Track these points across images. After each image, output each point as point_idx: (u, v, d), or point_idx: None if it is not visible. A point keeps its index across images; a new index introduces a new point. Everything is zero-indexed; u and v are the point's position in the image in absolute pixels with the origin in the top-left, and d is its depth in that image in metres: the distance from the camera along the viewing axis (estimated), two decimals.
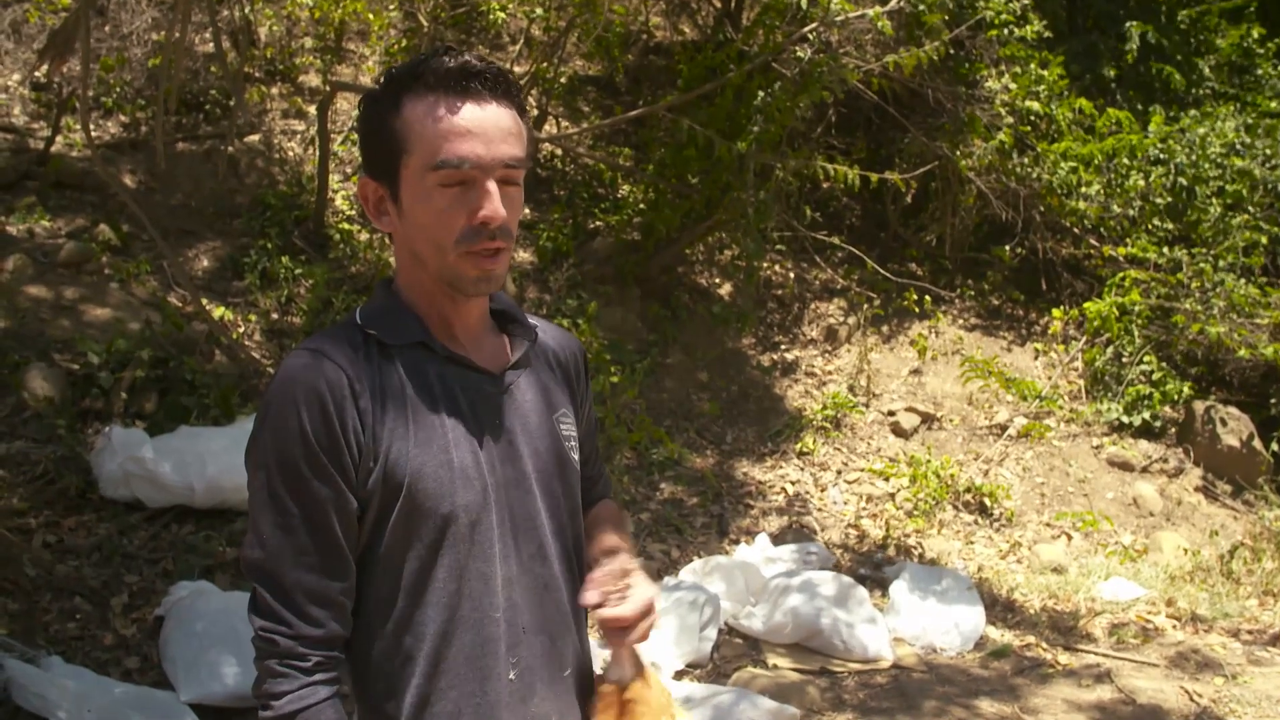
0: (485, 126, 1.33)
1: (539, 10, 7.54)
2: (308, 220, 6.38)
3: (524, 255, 7.16)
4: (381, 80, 1.39)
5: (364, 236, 6.54)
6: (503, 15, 7.91)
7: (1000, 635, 4.79)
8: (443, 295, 1.41)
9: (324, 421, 1.29)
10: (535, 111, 7.72)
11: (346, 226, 6.50)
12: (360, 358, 1.36)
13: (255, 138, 6.88)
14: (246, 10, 7.38)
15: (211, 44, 7.31)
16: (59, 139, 6.18)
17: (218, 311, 5.67)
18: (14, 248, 5.42)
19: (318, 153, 6.36)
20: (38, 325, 4.90)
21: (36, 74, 6.22)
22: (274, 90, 7.28)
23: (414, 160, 1.34)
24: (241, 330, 5.71)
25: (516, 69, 7.88)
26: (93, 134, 6.47)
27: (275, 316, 5.88)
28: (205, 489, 4.29)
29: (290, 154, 6.92)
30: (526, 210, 7.38)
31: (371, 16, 7.52)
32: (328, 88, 6.67)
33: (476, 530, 1.37)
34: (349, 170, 6.94)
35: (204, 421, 4.69)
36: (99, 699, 3.29)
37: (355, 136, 7.12)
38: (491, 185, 1.33)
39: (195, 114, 6.81)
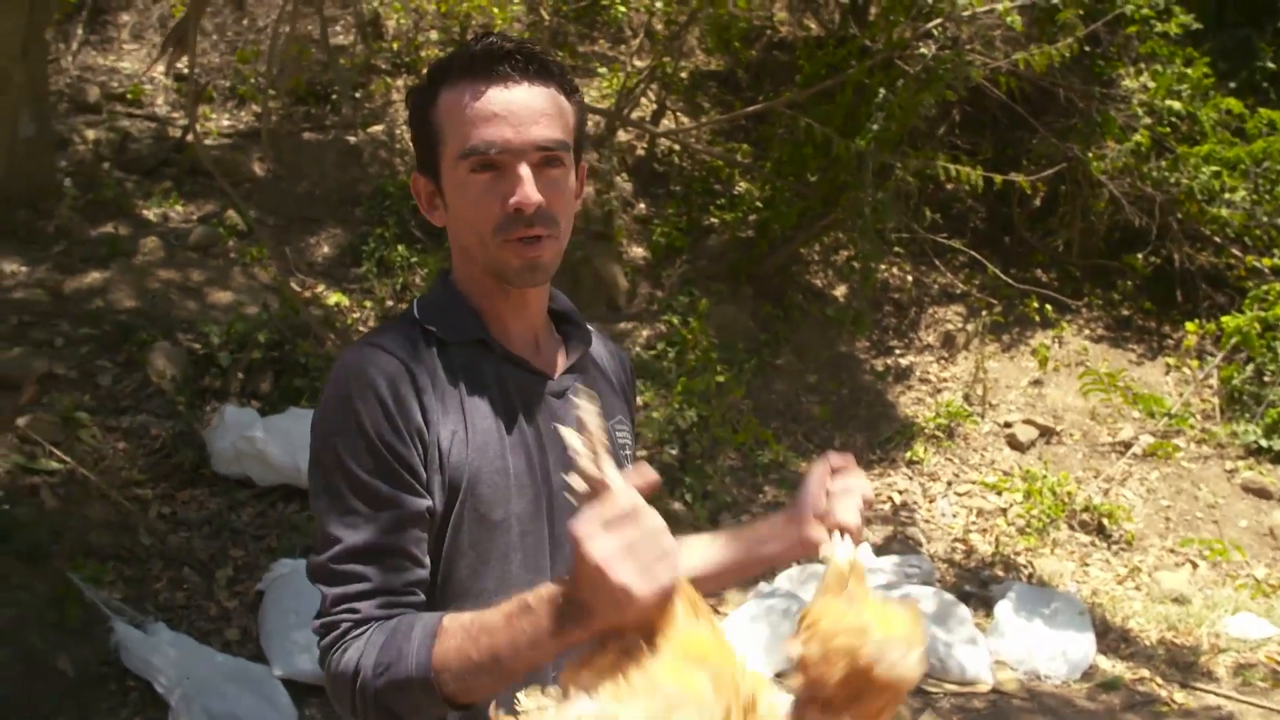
0: (514, 109, 1.28)
1: (660, 4, 7.52)
2: None
3: (637, 251, 7.16)
4: (425, 74, 1.37)
5: None
6: (624, 9, 7.92)
7: (1111, 666, 4.55)
8: (496, 289, 1.37)
9: (387, 419, 1.24)
10: (654, 106, 7.71)
11: None
12: (420, 354, 1.31)
13: (379, 128, 7.05)
14: (375, 4, 7.58)
15: (341, 37, 7.54)
16: (196, 127, 6.45)
17: (334, 297, 5.84)
18: (149, 231, 5.68)
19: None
20: (166, 305, 5.12)
21: (160, 66, 6.50)
22: (399, 82, 7.44)
23: (448, 150, 1.31)
24: (357, 316, 5.86)
25: (637, 63, 7.89)
26: (226, 123, 6.74)
27: (390, 303, 6.01)
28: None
29: (411, 144, 7.08)
30: (641, 205, 7.38)
31: (496, 10, 7.63)
32: None
33: (527, 539, 1.32)
34: None
35: (315, 404, 4.82)
36: (198, 667, 3.42)
37: None
38: (524, 170, 1.28)
39: (323, 104, 7.02)
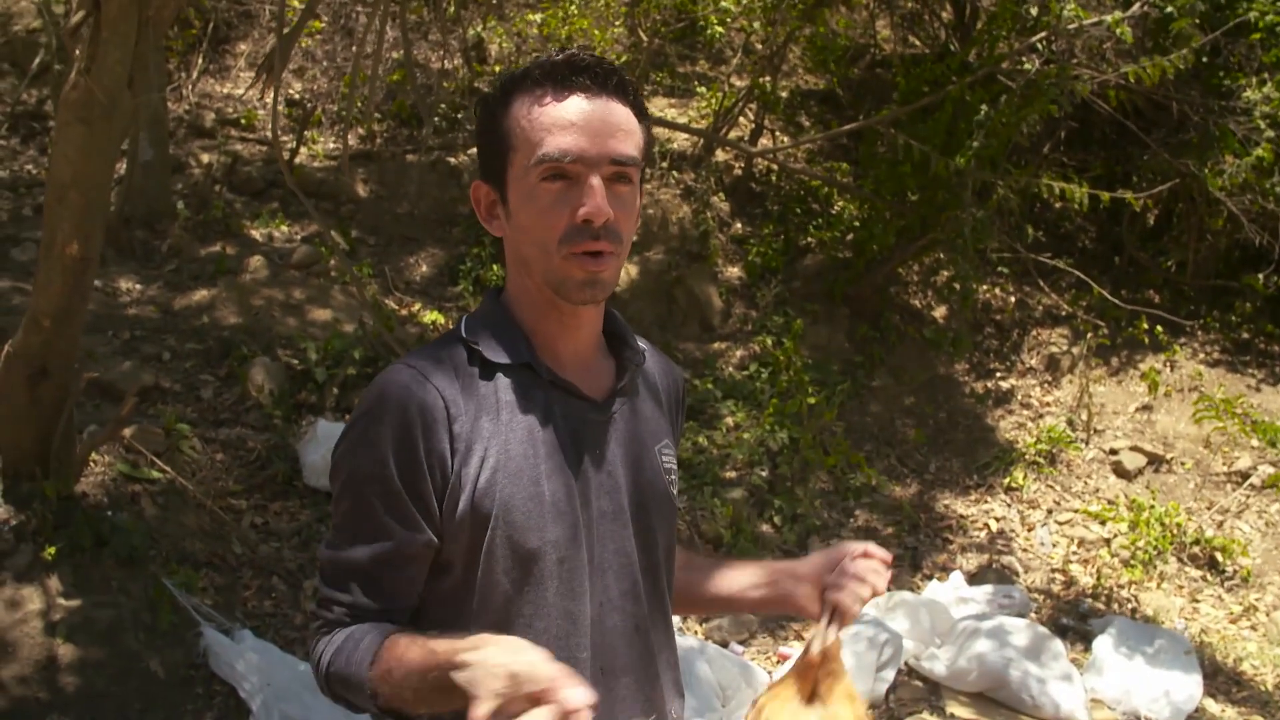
0: (590, 120, 1.28)
1: (757, 24, 7.49)
2: None
3: (733, 270, 7.13)
4: (496, 83, 1.37)
5: None
6: (721, 29, 7.92)
7: (1221, 710, 4.30)
8: (550, 308, 1.35)
9: (409, 450, 1.25)
10: (752, 125, 7.68)
11: None
12: (461, 378, 1.31)
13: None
14: (479, 29, 7.75)
15: (446, 61, 7.73)
16: (303, 150, 6.69)
17: (430, 315, 5.96)
18: (255, 250, 5.90)
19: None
20: (267, 322, 5.30)
21: (251, 91, 6.76)
22: None
23: (519, 158, 1.30)
24: None
25: (736, 82, 7.87)
26: (333, 145, 6.98)
27: None
28: None
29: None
30: (737, 225, 7.35)
31: (596, 33, 7.72)
32: None
33: (564, 566, 1.31)
34: None
35: None
36: (280, 675, 3.50)
37: None
38: (596, 181, 1.27)
39: (423, 128, 7.20)
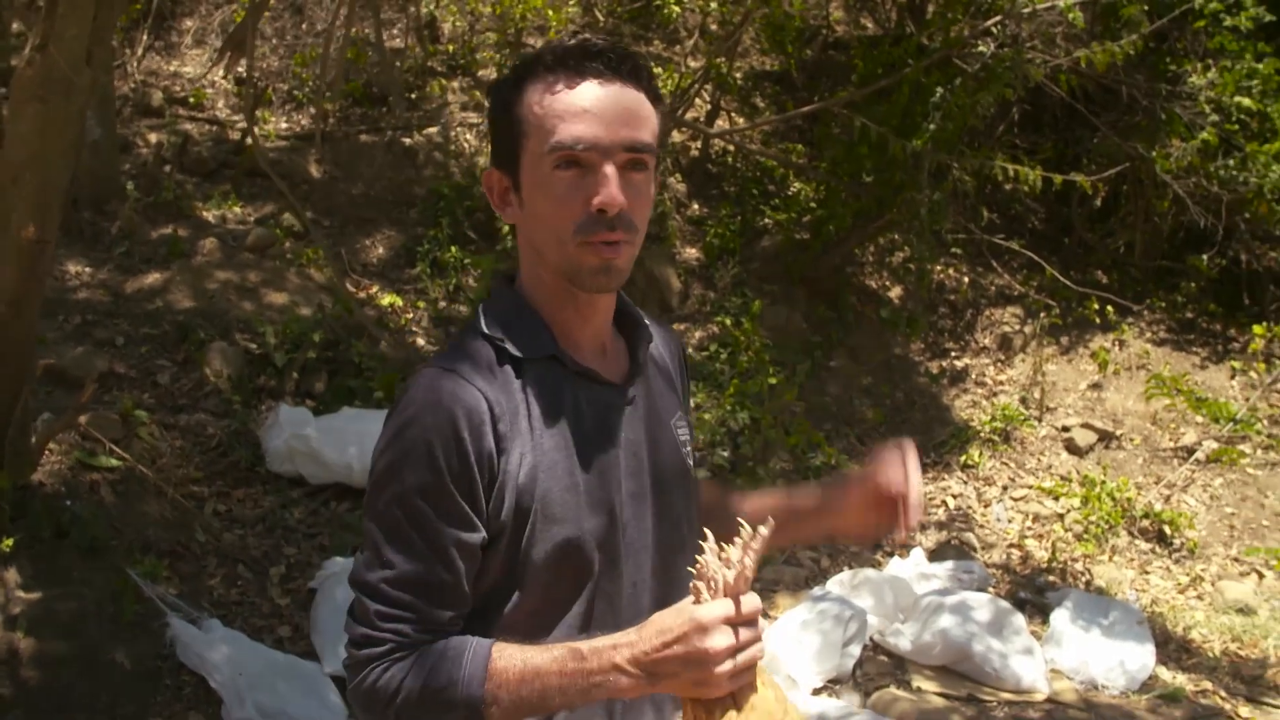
0: (604, 107, 1.25)
1: (714, 4, 7.49)
2: (479, 211, 6.55)
3: (690, 252, 7.14)
4: (509, 69, 1.36)
5: None
6: (678, 9, 7.90)
7: (1172, 678, 4.44)
8: (564, 295, 1.34)
9: (459, 454, 1.23)
10: (708, 106, 7.68)
11: None
12: (495, 376, 1.30)
13: (434, 130, 7.11)
14: (432, 7, 7.65)
15: (399, 39, 7.62)
16: (254, 129, 6.55)
17: (388, 298, 5.89)
18: (208, 232, 5.78)
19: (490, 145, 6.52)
20: (223, 306, 5.21)
21: (215, 70, 6.61)
22: (454, 84, 7.50)
23: (532, 145, 1.28)
24: (410, 316, 5.91)
25: (691, 63, 7.86)
26: (285, 125, 6.85)
27: (443, 304, 6.06)
28: (362, 468, 4.45)
29: (467, 146, 7.12)
30: (695, 207, 7.36)
31: (550, 12, 7.65)
32: None
33: (602, 553, 1.32)
34: None
35: (368, 404, 4.88)
36: (251, 663, 3.46)
37: None
38: (610, 169, 1.25)
39: (379, 107, 7.10)
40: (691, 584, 1.19)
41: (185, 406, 4.60)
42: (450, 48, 7.65)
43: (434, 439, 1.23)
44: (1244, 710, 4.22)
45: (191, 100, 6.78)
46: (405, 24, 7.63)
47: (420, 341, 5.77)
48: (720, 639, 1.13)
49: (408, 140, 6.88)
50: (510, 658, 1.21)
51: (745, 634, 1.15)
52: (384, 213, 6.52)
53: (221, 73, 6.74)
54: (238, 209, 6.15)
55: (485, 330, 1.34)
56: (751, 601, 1.16)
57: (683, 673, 1.16)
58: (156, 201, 5.91)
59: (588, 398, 1.35)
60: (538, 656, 1.20)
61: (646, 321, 1.48)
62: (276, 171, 6.38)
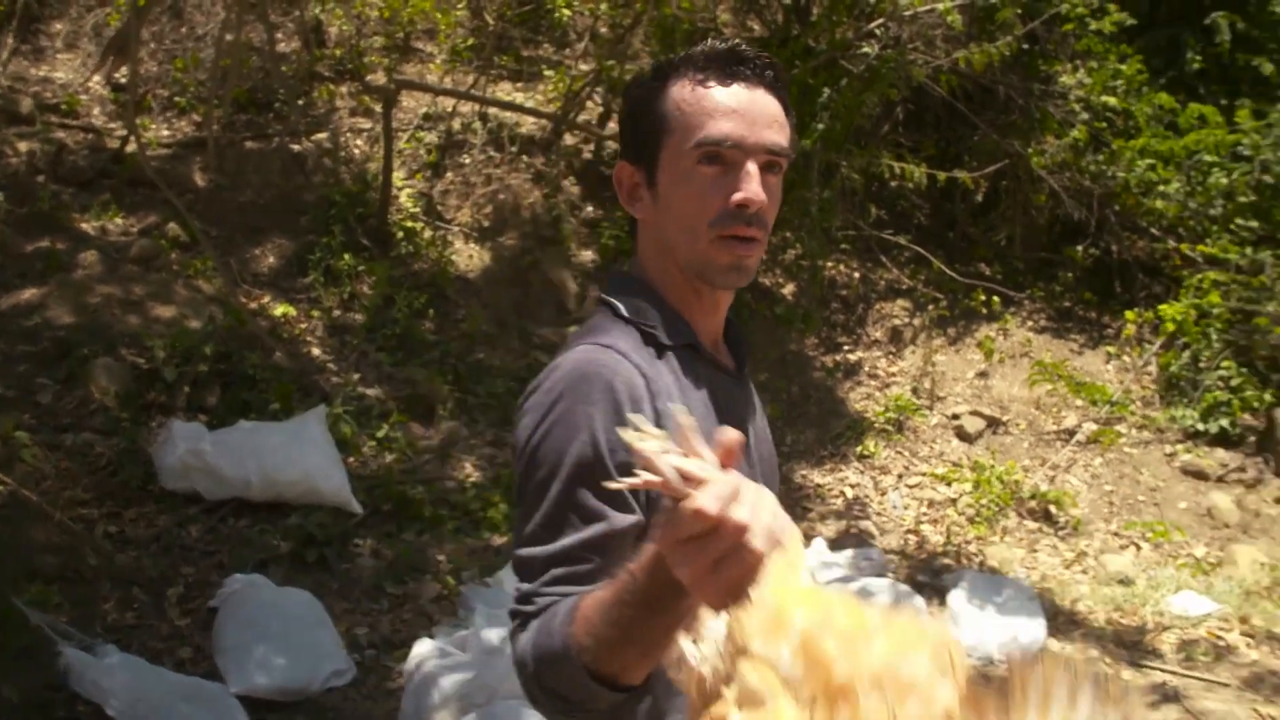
0: (751, 109, 1.31)
1: (604, 7, 7.53)
2: (371, 218, 6.46)
3: (586, 254, 7.16)
4: (651, 68, 1.39)
5: (426, 234, 6.60)
6: (568, 12, 7.92)
7: (1062, 648, 4.64)
8: (691, 292, 1.37)
9: (619, 425, 1.19)
10: (600, 109, 7.72)
11: (410, 224, 6.56)
12: (646, 357, 1.31)
13: (323, 136, 6.99)
14: (318, 10, 7.51)
15: (284, 44, 7.46)
16: (132, 137, 6.34)
17: (281, 308, 5.77)
18: (88, 245, 5.58)
19: (383, 150, 6.43)
20: (107, 320, 5.03)
21: (96, 76, 6.39)
22: (342, 89, 7.38)
23: (674, 140, 1.32)
24: (304, 326, 5.80)
25: (582, 66, 7.89)
26: (167, 133, 6.64)
27: (338, 313, 5.96)
28: (261, 482, 4.36)
29: (357, 152, 7.02)
30: (589, 209, 7.39)
31: (440, 15, 7.59)
32: (393, 86, 6.75)
33: None
34: (413, 168, 7.01)
35: (263, 416, 4.78)
36: (151, 688, 3.36)
37: (420, 135, 7.19)
38: (752, 167, 1.30)
39: (266, 113, 6.94)
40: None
41: (70, 426, 4.43)
42: (338, 52, 7.53)
43: (594, 414, 1.22)
44: (1126, 674, 4.45)
45: (64, 107, 6.52)
46: (291, 28, 7.47)
47: (315, 351, 5.67)
48: (683, 563, 0.97)
49: (296, 147, 6.75)
50: (590, 596, 1.13)
51: (711, 544, 0.95)
52: (274, 221, 6.38)
53: (100, 79, 6.50)
54: (119, 220, 5.94)
55: (627, 315, 1.35)
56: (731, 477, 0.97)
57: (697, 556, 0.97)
58: (31, 213, 5.67)
59: (719, 386, 1.38)
60: (607, 587, 1.11)
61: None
62: (160, 180, 6.20)
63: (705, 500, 0.94)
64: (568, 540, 1.21)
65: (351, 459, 4.88)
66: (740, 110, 1.30)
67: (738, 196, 1.29)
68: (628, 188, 1.39)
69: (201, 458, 4.27)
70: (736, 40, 1.36)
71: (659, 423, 1.18)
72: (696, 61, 1.33)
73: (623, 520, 1.22)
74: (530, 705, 1.23)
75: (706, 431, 1.21)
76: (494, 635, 3.71)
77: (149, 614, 3.81)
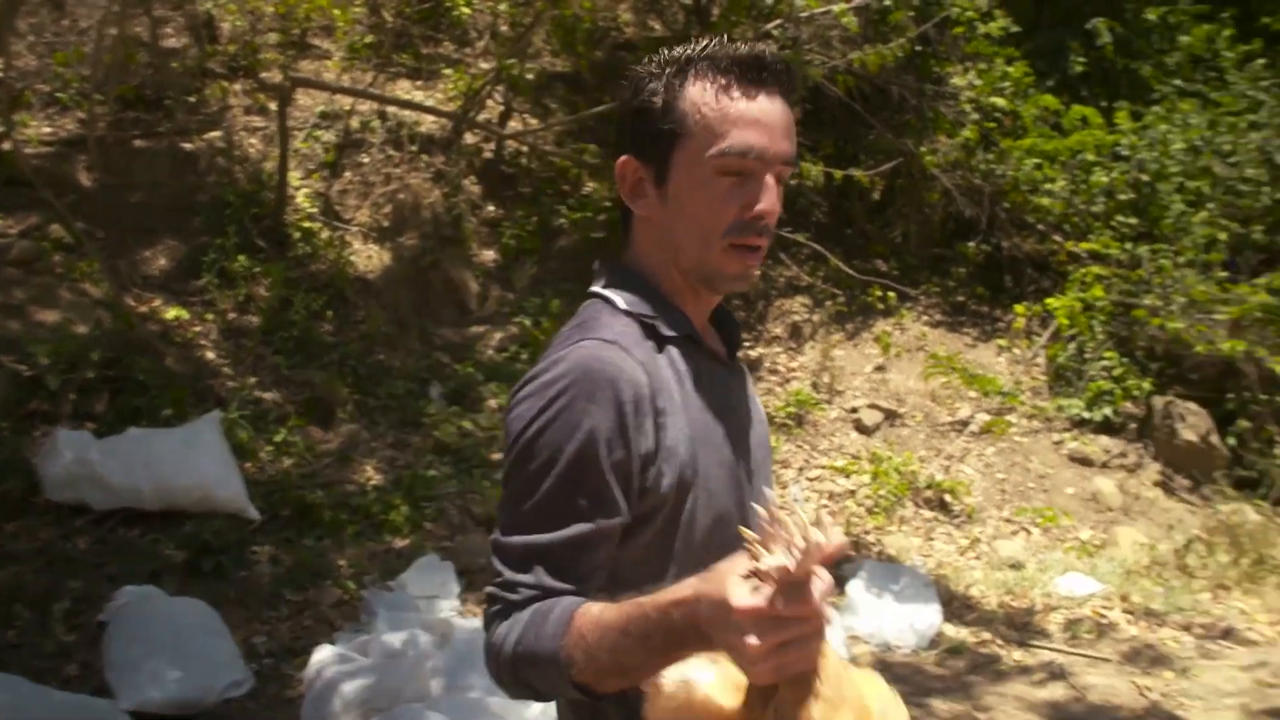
0: (773, 119, 1.30)
1: (504, 5, 7.50)
2: (267, 218, 6.33)
3: (488, 254, 7.13)
4: (661, 59, 1.35)
5: (324, 235, 6.49)
6: (468, 10, 7.87)
7: (956, 632, 4.80)
8: (687, 289, 1.37)
9: (621, 427, 1.22)
10: (501, 108, 7.69)
11: (307, 224, 6.45)
12: (647, 351, 1.30)
13: (216, 134, 6.82)
14: (210, 5, 7.32)
15: (173, 39, 7.25)
16: (14, 135, 6.10)
17: (173, 311, 5.62)
18: None
19: (278, 149, 6.31)
20: None
21: None
22: (236, 86, 7.20)
23: (693, 144, 1.29)
24: (198, 329, 5.66)
25: (482, 64, 7.84)
26: (48, 130, 6.40)
27: (233, 316, 5.83)
28: (153, 491, 4.25)
29: (252, 151, 6.86)
30: (490, 208, 7.35)
31: (337, 12, 7.47)
32: (289, 84, 6.62)
33: (732, 527, 1.31)
34: (310, 167, 6.89)
35: (155, 422, 4.65)
36: (33, 708, 3.24)
37: (317, 134, 7.07)
38: (770, 179, 1.30)
39: (155, 110, 6.74)
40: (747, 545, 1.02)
41: None
42: (231, 48, 7.34)
43: (594, 411, 1.22)
44: (1017, 655, 4.62)
45: None
46: (181, 23, 7.27)
47: (210, 355, 5.54)
48: (753, 637, 0.98)
49: (188, 145, 6.57)
50: (589, 613, 1.15)
51: (793, 629, 0.99)
52: (165, 222, 6.20)
53: None
54: None
55: (625, 308, 1.34)
56: (803, 593, 0.98)
57: (720, 644, 1.03)
58: None
59: (717, 376, 1.39)
60: (611, 612, 1.13)
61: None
62: (41, 180, 5.97)
63: (817, 589, 0.99)
64: (554, 535, 1.22)
65: (248, 464, 4.78)
66: (763, 121, 1.30)
67: (759, 208, 1.30)
68: (631, 183, 1.37)
69: (89, 467, 4.14)
70: (758, 45, 1.33)
71: (659, 418, 1.25)
72: (719, 63, 1.31)
73: (609, 522, 1.24)
74: (495, 684, 1.27)
75: (707, 429, 1.32)
76: (396, 639, 3.68)
77: (32, 631, 3.68)
